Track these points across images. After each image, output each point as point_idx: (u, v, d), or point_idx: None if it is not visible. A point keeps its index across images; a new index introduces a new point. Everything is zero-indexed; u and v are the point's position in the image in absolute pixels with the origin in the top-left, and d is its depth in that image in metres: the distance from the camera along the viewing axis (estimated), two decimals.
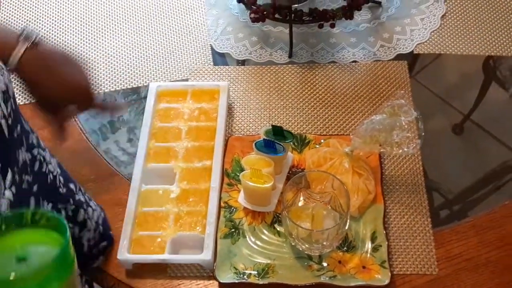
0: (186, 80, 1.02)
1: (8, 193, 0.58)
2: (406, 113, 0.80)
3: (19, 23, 1.12)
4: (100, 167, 0.92)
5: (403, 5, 1.10)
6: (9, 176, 0.58)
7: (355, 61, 1.03)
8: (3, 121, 0.57)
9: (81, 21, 1.12)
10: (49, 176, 0.69)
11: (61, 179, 0.73)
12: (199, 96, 0.96)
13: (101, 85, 1.03)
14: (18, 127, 0.61)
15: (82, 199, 0.77)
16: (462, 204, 0.90)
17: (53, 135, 0.77)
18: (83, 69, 0.75)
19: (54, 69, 0.72)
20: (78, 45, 1.08)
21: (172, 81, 1.02)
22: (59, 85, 0.73)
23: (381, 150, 0.83)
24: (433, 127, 0.95)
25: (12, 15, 1.13)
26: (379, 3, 1.10)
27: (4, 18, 1.13)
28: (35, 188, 0.65)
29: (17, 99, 0.61)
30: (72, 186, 0.76)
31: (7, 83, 0.58)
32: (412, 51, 1.04)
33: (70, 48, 1.08)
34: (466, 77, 1.04)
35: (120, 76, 1.04)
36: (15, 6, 1.15)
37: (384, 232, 0.80)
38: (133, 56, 1.07)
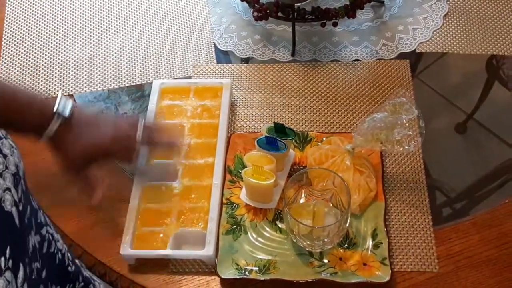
0: (189, 77, 1.03)
1: None
2: (407, 111, 0.80)
3: (25, 20, 1.13)
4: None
5: (405, 4, 1.11)
6: (21, 272, 0.52)
7: (357, 60, 1.03)
8: (14, 209, 0.52)
9: (85, 19, 1.13)
10: (57, 256, 0.65)
11: (69, 256, 0.69)
12: (202, 93, 0.96)
13: (105, 83, 1.03)
14: (28, 209, 0.57)
15: (88, 274, 0.74)
16: (463, 202, 0.90)
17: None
18: (114, 126, 0.74)
19: (84, 135, 0.72)
20: (82, 43, 1.09)
21: (176, 78, 1.03)
22: (85, 147, 0.72)
23: (382, 148, 0.83)
24: (436, 126, 0.95)
25: (18, 12, 1.14)
26: (382, 2, 1.10)
27: (11, 15, 1.14)
28: (43, 274, 0.60)
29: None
30: (78, 262, 0.72)
31: (17, 162, 0.55)
32: (415, 50, 1.04)
33: (75, 47, 1.09)
34: (469, 76, 1.04)
35: (124, 73, 1.05)
36: (21, 3, 1.15)
37: (385, 229, 0.81)
38: (137, 54, 1.07)
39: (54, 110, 0.69)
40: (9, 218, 0.51)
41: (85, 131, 0.73)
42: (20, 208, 0.54)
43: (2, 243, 0.49)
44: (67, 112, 0.69)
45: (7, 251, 0.49)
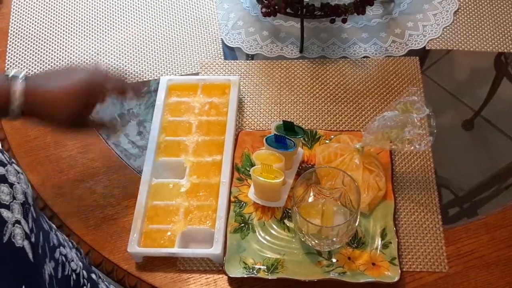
0: (197, 74, 1.02)
1: None
2: (418, 110, 0.79)
3: (31, 15, 1.12)
4: (111, 159, 0.92)
5: (415, 1, 1.09)
6: None
7: (366, 57, 1.02)
8: (25, 243, 0.48)
9: (91, 14, 1.12)
10: (72, 277, 0.61)
11: (84, 273, 0.64)
12: (210, 90, 0.96)
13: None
14: (41, 237, 0.52)
15: (104, 286, 0.71)
16: (472, 201, 0.89)
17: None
18: (79, 70, 0.72)
19: (56, 89, 0.68)
20: (89, 38, 1.08)
21: (183, 75, 1.02)
22: (67, 100, 0.68)
23: (392, 147, 0.82)
24: (443, 123, 0.94)
25: (24, 7, 1.13)
26: None
27: (16, 10, 1.13)
28: None
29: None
30: (94, 276, 0.68)
31: (25, 189, 0.51)
32: (424, 47, 1.03)
33: (81, 42, 1.08)
34: (477, 73, 1.03)
35: (130, 69, 1.04)
36: None
37: (394, 229, 0.80)
38: (143, 50, 1.06)
39: (9, 75, 0.65)
40: (21, 253, 0.47)
41: (56, 80, 0.69)
42: (33, 239, 0.49)
43: (16, 283, 0.45)
44: (22, 73, 0.66)
45: None
